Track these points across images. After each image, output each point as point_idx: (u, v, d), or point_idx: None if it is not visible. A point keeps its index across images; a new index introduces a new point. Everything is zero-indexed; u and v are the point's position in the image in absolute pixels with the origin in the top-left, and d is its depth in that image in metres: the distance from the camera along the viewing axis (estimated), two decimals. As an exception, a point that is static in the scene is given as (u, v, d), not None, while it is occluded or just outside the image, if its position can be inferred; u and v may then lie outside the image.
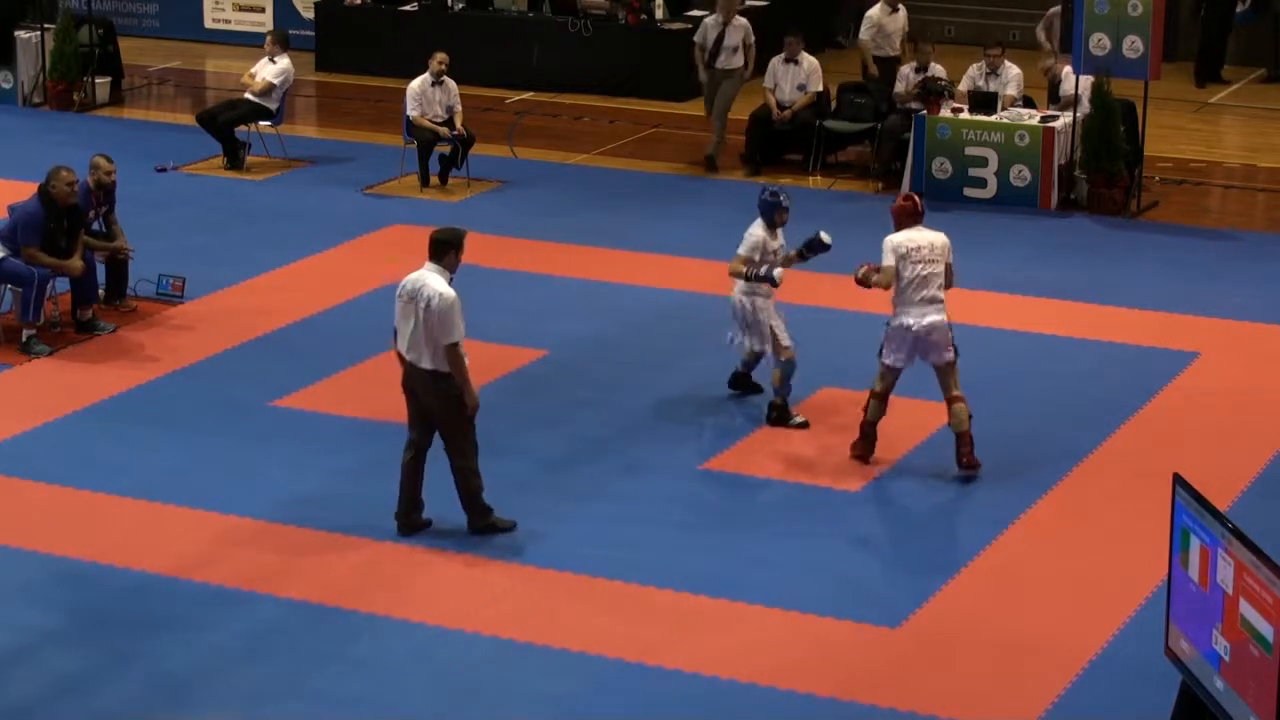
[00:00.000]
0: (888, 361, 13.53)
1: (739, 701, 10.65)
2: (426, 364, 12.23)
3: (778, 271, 14.03)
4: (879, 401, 13.62)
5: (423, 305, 12.16)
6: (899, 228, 13.55)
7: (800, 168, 21.27)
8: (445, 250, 12.35)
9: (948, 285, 13.50)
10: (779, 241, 14.22)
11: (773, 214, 14.17)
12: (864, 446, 13.69)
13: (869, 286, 13.66)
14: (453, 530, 12.55)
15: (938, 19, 24.53)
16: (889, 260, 13.41)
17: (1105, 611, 11.63)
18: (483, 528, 12.47)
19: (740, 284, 14.21)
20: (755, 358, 14.53)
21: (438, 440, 12.45)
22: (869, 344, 15.79)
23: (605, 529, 12.69)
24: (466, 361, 12.24)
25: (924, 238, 13.46)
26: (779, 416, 14.29)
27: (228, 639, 11.25)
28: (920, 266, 13.34)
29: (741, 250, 14.12)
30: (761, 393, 14.62)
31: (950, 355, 13.41)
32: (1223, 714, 8.85)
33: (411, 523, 12.52)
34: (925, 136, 20.10)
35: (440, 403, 12.28)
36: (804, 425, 14.22)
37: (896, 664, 11.08)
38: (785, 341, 14.17)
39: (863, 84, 21.87)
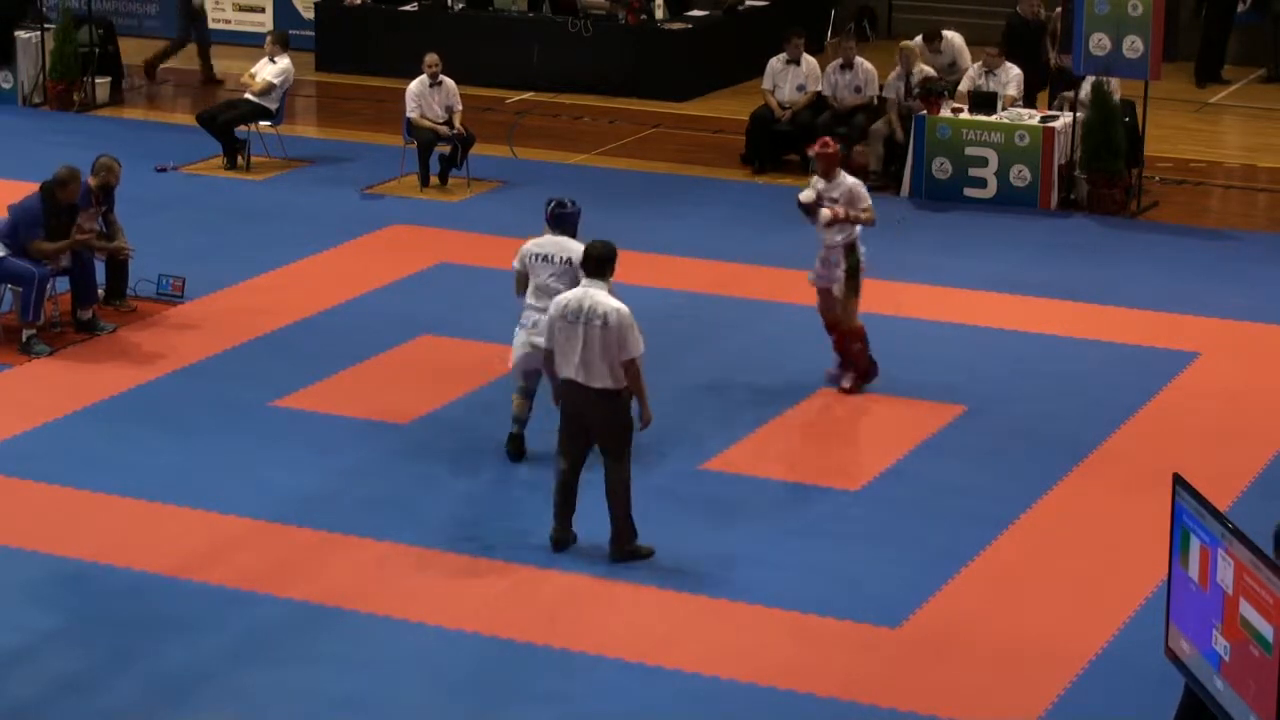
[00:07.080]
0: None
1: (739, 701, 10.64)
2: (598, 383, 11.96)
3: None
4: None
5: (597, 323, 11.91)
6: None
7: (800, 168, 21.25)
8: (607, 266, 12.22)
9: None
10: None
11: (574, 225, 13.69)
12: None
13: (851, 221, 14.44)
14: (453, 531, 12.56)
15: (938, 19, 24.48)
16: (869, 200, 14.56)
17: (1105, 611, 11.62)
18: (624, 555, 12.20)
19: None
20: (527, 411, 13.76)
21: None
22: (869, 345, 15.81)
23: (605, 529, 12.67)
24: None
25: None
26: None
27: (228, 639, 11.25)
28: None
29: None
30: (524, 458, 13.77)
31: None
32: (1223, 714, 8.85)
33: (566, 539, 12.36)
34: (925, 136, 20.10)
35: (608, 419, 12.08)
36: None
37: (896, 664, 11.07)
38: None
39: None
